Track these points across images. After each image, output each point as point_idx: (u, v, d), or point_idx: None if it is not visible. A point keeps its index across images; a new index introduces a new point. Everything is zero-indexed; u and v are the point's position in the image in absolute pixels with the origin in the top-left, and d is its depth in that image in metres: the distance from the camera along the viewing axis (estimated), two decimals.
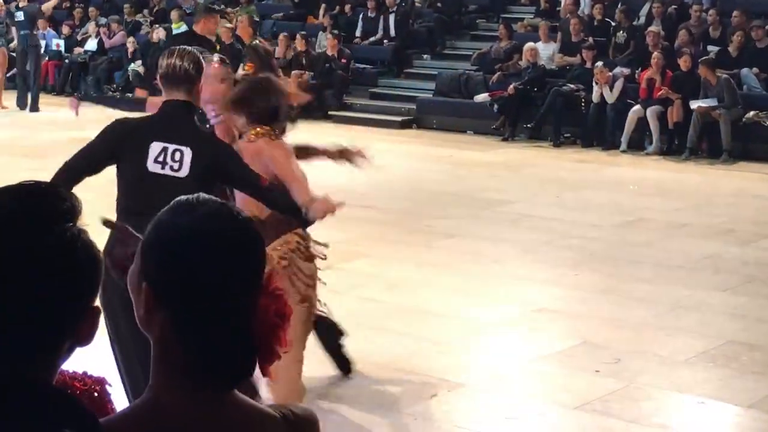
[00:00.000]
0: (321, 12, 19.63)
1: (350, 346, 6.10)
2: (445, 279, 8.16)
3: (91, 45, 20.50)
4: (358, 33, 19.18)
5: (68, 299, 1.50)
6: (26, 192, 1.53)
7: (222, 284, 1.62)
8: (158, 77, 4.67)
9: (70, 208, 1.54)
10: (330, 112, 17.30)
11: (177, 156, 4.47)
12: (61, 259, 1.49)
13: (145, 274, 1.65)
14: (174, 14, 17.70)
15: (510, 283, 8.15)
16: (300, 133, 16.37)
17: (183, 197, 1.69)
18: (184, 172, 4.46)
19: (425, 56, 18.70)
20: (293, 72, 17.50)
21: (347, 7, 19.59)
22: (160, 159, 4.48)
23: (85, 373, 1.87)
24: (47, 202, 1.52)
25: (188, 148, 4.48)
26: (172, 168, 4.47)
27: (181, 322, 1.62)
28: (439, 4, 19.29)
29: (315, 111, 17.25)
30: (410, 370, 6.26)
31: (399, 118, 16.91)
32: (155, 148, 4.48)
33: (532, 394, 5.98)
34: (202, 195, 1.70)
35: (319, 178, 11.56)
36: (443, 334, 6.89)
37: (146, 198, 4.26)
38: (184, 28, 14.62)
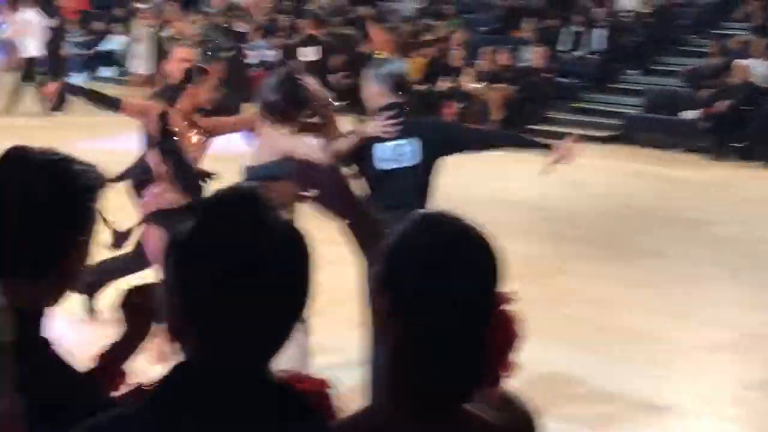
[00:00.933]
0: (526, 25, 19.56)
1: (551, 361, 6.06)
2: (649, 299, 7.99)
3: None
4: (562, 47, 19.03)
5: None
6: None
7: (461, 302, 1.68)
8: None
9: None
10: (531, 126, 17.20)
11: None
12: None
13: (387, 281, 1.72)
14: None
15: (717, 305, 7.90)
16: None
17: (429, 212, 1.79)
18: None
19: (633, 71, 18.36)
20: (496, 85, 17.53)
21: (553, 21, 19.46)
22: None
23: (308, 375, 1.93)
24: None
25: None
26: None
27: (418, 334, 1.68)
28: (648, 19, 18.91)
29: (517, 125, 17.24)
30: (615, 391, 6.15)
31: (603, 134, 16.64)
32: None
33: (745, 422, 5.78)
34: (449, 212, 1.78)
35: (523, 194, 11.60)
36: (648, 355, 6.74)
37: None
38: None
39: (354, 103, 8.35)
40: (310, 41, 17.64)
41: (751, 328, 7.33)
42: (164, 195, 6.12)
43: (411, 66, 18.73)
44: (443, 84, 17.84)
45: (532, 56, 17.97)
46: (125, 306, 2.21)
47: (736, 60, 16.01)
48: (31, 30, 15.05)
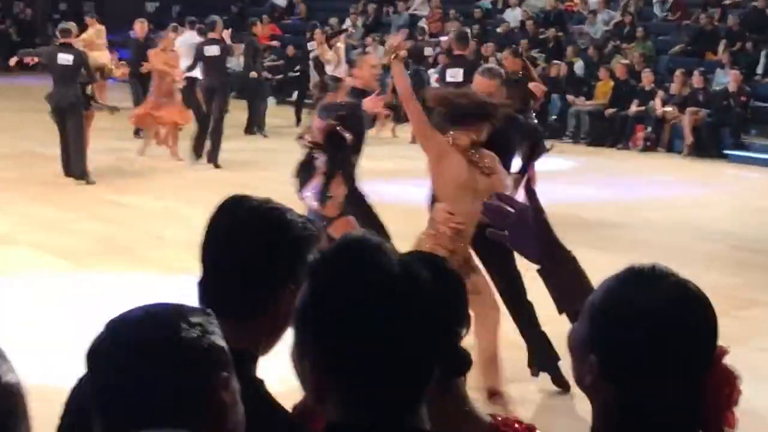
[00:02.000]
0: (721, 48, 19.08)
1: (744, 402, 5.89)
2: None
3: None
4: (759, 70, 18.47)
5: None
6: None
7: (676, 364, 1.64)
8: None
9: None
10: (726, 152, 16.77)
11: None
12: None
13: (596, 345, 1.68)
14: None
15: None
16: (695, 172, 16.03)
17: (639, 266, 1.71)
18: None
19: None
20: (688, 109, 17.16)
21: (748, 44, 18.91)
22: None
23: (515, 420, 1.93)
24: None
25: None
26: None
27: (634, 400, 1.65)
28: None
29: (710, 150, 16.83)
30: None
31: None
32: None
33: None
34: (657, 266, 1.71)
35: (711, 220, 11.30)
36: None
37: None
38: None
39: None
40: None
41: None
42: None
43: (597, 89, 18.58)
44: (633, 108, 17.61)
45: (727, 79, 17.51)
46: None
47: None
48: (188, 52, 15.56)
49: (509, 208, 2.10)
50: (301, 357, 1.56)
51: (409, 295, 1.50)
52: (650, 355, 1.63)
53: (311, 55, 19.73)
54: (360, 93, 7.47)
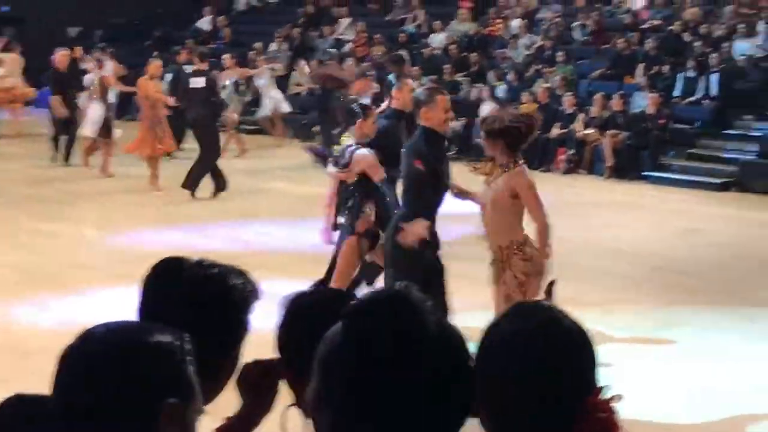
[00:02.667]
0: (639, 71, 19.49)
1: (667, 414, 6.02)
2: None
3: None
4: (677, 92, 18.90)
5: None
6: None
7: (548, 394, 1.66)
8: None
9: None
10: (645, 173, 17.11)
11: None
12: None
13: (479, 374, 1.70)
14: None
15: None
16: (615, 194, 16.28)
17: (522, 302, 1.79)
18: None
19: (748, 117, 18.11)
20: (608, 131, 17.50)
21: (665, 67, 19.35)
22: None
23: None
24: None
25: None
26: None
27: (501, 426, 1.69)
28: (764, 63, 18.66)
29: (629, 172, 17.16)
30: None
31: (718, 181, 16.43)
32: None
33: None
34: (541, 302, 1.80)
35: (635, 243, 11.49)
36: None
37: None
38: None
39: None
40: None
41: None
42: None
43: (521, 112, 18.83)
44: (555, 130, 17.89)
45: (646, 102, 17.89)
46: (245, 381, 2.21)
47: None
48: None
49: None
50: (319, 404, 1.61)
51: (443, 356, 1.60)
52: (520, 384, 1.65)
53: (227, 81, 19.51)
54: (399, 114, 8.37)
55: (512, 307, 1.77)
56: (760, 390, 6.95)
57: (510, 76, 20.47)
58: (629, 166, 17.27)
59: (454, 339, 1.64)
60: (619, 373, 6.00)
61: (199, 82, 14.34)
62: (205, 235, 11.44)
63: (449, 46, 22.63)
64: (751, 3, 20.72)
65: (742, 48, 19.18)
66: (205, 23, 28.20)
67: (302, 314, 2.14)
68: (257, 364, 2.21)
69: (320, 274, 7.45)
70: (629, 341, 7.99)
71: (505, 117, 6.40)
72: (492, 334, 1.71)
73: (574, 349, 1.69)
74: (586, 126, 17.94)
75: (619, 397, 1.69)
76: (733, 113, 18.33)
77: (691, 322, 8.71)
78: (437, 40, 23.37)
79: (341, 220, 7.70)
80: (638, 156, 17.36)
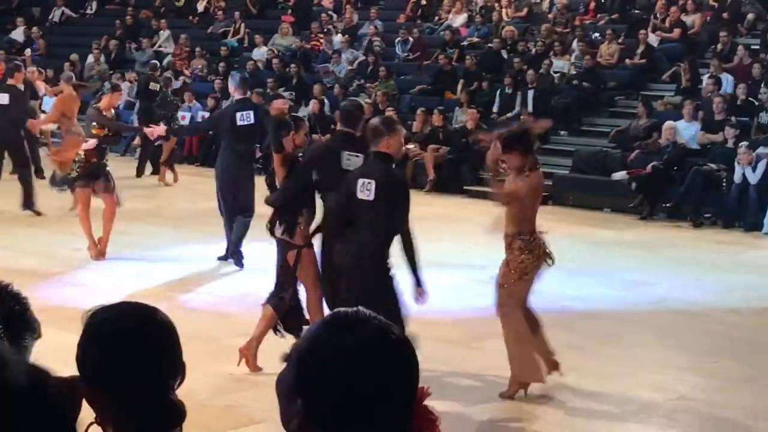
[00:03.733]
0: (459, 87, 19.83)
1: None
2: (582, 361, 8.02)
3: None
4: (495, 108, 19.29)
5: None
6: None
7: (379, 407, 1.63)
8: None
9: None
10: (465, 187, 17.38)
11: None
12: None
13: (300, 389, 1.66)
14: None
15: (647, 368, 7.99)
16: (436, 207, 16.46)
17: (341, 311, 1.72)
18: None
19: (562, 132, 18.63)
20: (430, 146, 17.72)
21: (485, 83, 19.73)
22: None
23: None
24: None
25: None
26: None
27: None
28: (577, 81, 19.27)
29: (450, 186, 17.40)
30: None
31: None
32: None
33: None
34: (361, 311, 1.70)
35: (446, 255, 11.59)
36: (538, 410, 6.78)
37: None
38: None
39: None
40: None
41: (681, 391, 7.41)
42: None
43: None
44: None
45: (465, 118, 18.19)
46: None
47: (668, 122, 16.34)
48: None
49: None
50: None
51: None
52: (353, 396, 1.62)
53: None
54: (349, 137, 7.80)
55: (333, 316, 1.72)
56: (569, 390, 7.07)
57: (334, 91, 20.48)
58: (450, 180, 17.51)
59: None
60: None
61: (3, 99, 13.94)
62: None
63: (272, 60, 22.49)
64: (566, 22, 21.39)
65: (558, 65, 19.75)
66: (18, 34, 27.21)
67: (99, 331, 2.11)
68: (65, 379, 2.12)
69: None
70: (449, 353, 8.01)
71: (517, 128, 7.37)
72: (317, 346, 1.67)
73: (408, 355, 1.69)
74: (408, 141, 18.09)
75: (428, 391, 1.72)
76: (548, 129, 18.77)
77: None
78: (259, 53, 23.20)
79: (278, 233, 7.58)
80: (458, 170, 17.62)
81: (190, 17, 26.68)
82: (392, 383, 1.64)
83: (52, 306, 7.91)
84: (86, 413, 2.02)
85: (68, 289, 9.60)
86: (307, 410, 1.64)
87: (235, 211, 11.02)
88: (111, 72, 23.45)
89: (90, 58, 24.73)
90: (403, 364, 1.67)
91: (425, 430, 1.69)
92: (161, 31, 25.43)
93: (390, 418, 1.65)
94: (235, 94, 11.64)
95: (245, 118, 11.11)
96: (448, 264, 11.27)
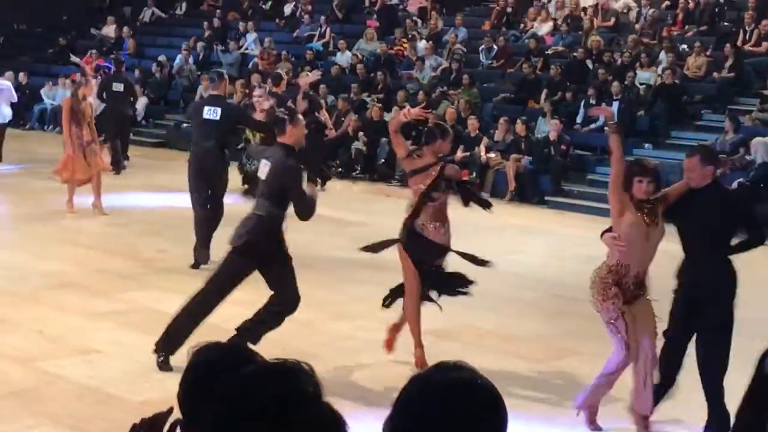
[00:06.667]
0: (542, 97, 19.72)
1: None
2: None
3: None
4: (579, 119, 19.16)
5: None
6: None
7: None
8: None
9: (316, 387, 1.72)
10: (547, 198, 17.29)
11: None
12: None
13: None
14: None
15: None
16: (516, 218, 16.38)
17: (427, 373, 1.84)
18: None
19: (647, 145, 18.42)
20: (511, 156, 17.65)
21: (569, 94, 19.61)
22: None
23: None
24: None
25: None
26: None
27: None
28: (664, 94, 19.03)
29: (531, 196, 17.33)
30: None
31: None
32: None
33: None
34: (459, 363, 1.82)
35: (535, 268, 11.55)
36: None
37: None
38: None
39: None
40: None
41: None
42: None
43: None
44: (459, 153, 17.96)
45: (548, 128, 18.09)
46: None
47: (756, 138, 16.05)
48: None
49: None
50: None
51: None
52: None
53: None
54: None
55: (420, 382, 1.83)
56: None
57: (419, 97, 20.50)
58: (530, 190, 17.44)
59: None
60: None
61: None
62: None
63: (356, 65, 22.61)
64: (653, 33, 21.14)
65: (644, 77, 19.53)
66: (109, 32, 27.79)
67: (202, 367, 2.16)
68: (143, 421, 2.23)
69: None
70: (526, 371, 7.99)
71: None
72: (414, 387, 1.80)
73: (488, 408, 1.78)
74: (489, 150, 18.07)
75: None
76: (633, 142, 18.62)
77: (585, 350, 8.76)
78: (343, 58, 23.35)
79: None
80: (539, 181, 17.54)
81: (277, 20, 26.96)
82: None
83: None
84: None
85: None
86: None
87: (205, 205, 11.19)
88: (198, 73, 23.77)
89: (179, 59, 25.12)
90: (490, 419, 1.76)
91: None
92: (248, 34, 25.73)
93: None
94: (209, 90, 12.02)
95: (212, 113, 11.31)
96: (526, 277, 11.24)
